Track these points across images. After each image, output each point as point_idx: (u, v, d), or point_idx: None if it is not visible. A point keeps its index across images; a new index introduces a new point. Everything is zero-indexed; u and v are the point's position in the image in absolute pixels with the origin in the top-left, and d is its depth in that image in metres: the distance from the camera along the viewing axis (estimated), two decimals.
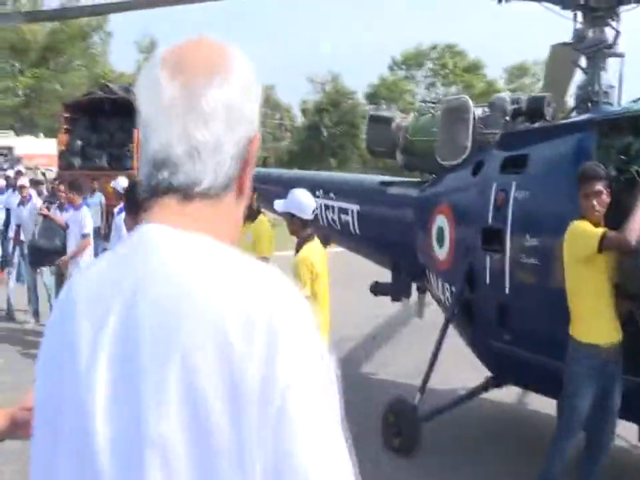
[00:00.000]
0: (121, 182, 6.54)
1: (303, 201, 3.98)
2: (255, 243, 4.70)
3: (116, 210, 6.37)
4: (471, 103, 4.55)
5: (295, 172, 10.10)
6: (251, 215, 4.82)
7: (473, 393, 4.74)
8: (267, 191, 8.26)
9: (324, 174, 8.15)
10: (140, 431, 0.66)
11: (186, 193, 0.77)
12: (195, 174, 0.77)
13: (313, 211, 4.01)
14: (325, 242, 7.27)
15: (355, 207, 6.21)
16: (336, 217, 6.59)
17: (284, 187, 7.94)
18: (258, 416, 0.65)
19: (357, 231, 6.25)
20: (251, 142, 0.81)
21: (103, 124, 12.86)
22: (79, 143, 12.86)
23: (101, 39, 37.55)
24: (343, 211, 6.39)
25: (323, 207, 6.80)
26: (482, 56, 39.35)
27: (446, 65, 38.55)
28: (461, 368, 5.51)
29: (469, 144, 4.47)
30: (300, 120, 43.87)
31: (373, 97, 36.83)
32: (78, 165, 12.65)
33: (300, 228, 3.93)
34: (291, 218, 3.95)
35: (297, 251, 3.91)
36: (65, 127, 13.12)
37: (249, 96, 0.81)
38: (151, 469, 0.65)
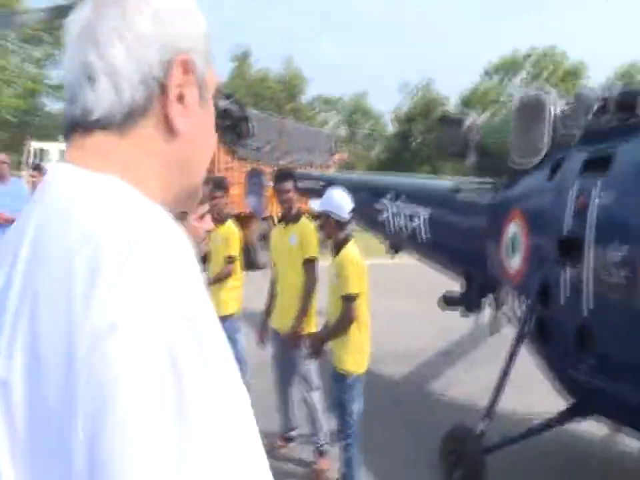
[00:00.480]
0: None
1: (340, 201, 3.84)
2: (301, 245, 4.40)
3: None
4: (549, 97, 4.04)
5: (364, 175, 9.82)
6: (293, 217, 4.56)
7: (550, 423, 4.21)
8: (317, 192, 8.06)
9: (394, 177, 7.76)
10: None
11: (85, 125, 0.72)
12: (90, 103, 0.72)
13: (350, 212, 3.87)
14: (394, 250, 6.95)
15: (424, 213, 5.82)
16: (404, 223, 6.22)
17: (353, 190, 7.71)
18: (83, 382, 0.56)
19: (426, 238, 5.86)
20: (170, 66, 0.74)
21: None
22: None
23: None
24: (412, 216, 6.01)
25: (392, 213, 6.46)
26: (586, 60, 37.53)
27: (546, 68, 37.03)
28: (537, 392, 4.97)
29: (545, 143, 3.98)
30: (391, 128, 43.81)
31: (465, 105, 35.96)
32: None
33: (336, 229, 3.81)
34: (327, 218, 3.82)
35: (336, 253, 3.80)
36: None
37: (162, 21, 0.74)
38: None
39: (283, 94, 39.89)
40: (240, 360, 5.25)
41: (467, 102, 36.20)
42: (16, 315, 0.63)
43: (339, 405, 3.80)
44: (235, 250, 5.31)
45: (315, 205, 3.99)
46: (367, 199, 6.97)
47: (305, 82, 42.69)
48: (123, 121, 0.72)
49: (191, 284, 0.63)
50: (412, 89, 40.70)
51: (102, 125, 0.72)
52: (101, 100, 0.71)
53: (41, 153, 24.42)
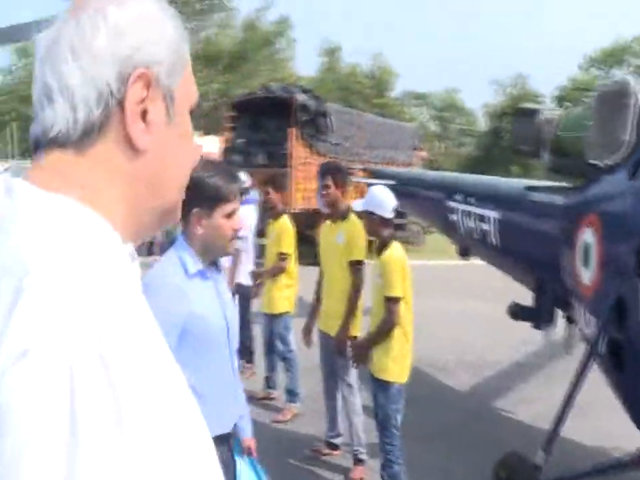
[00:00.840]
0: (241, 177, 6.32)
1: (382, 198, 3.67)
2: (348, 245, 4.10)
3: None
4: (635, 84, 3.51)
5: (436, 173, 9.35)
6: (342, 214, 4.22)
7: (623, 462, 3.69)
8: (405, 192, 7.70)
9: (466, 176, 7.30)
10: None
11: (44, 144, 0.72)
12: (48, 122, 0.71)
13: (394, 209, 3.68)
14: (464, 253, 6.51)
15: (495, 215, 5.35)
16: (474, 225, 5.77)
17: (423, 188, 7.31)
18: None
19: (496, 242, 5.39)
20: (127, 83, 0.70)
21: (263, 123, 13.12)
22: (242, 140, 13.25)
23: (285, 45, 39.43)
24: (482, 218, 5.56)
25: (461, 214, 6.04)
26: None
27: None
28: (609, 420, 4.42)
29: (629, 137, 3.46)
30: (483, 125, 42.55)
31: (561, 100, 34.11)
32: (239, 162, 13.03)
33: (380, 227, 3.62)
34: (369, 216, 3.64)
35: (379, 253, 3.60)
36: (229, 125, 13.61)
37: (119, 35, 0.71)
38: None
39: (371, 89, 39.47)
40: (288, 360, 5.06)
41: (563, 98, 34.31)
42: None
43: (383, 416, 3.56)
44: (287, 247, 5.10)
45: (357, 204, 3.81)
46: (438, 198, 6.60)
47: (394, 77, 42.11)
48: (79, 140, 0.71)
49: (115, 319, 0.60)
50: (504, 85, 39.26)
51: (59, 143, 0.71)
52: (58, 119, 0.71)
53: None
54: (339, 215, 4.22)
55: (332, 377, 4.29)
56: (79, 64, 0.70)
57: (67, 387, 0.54)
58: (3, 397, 0.54)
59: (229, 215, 2.10)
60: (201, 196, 2.02)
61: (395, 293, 3.46)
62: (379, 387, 3.58)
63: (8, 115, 39.31)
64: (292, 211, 11.77)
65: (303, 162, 12.31)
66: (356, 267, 4.05)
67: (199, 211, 2.06)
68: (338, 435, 4.38)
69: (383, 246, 3.60)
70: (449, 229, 6.49)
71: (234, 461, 2.24)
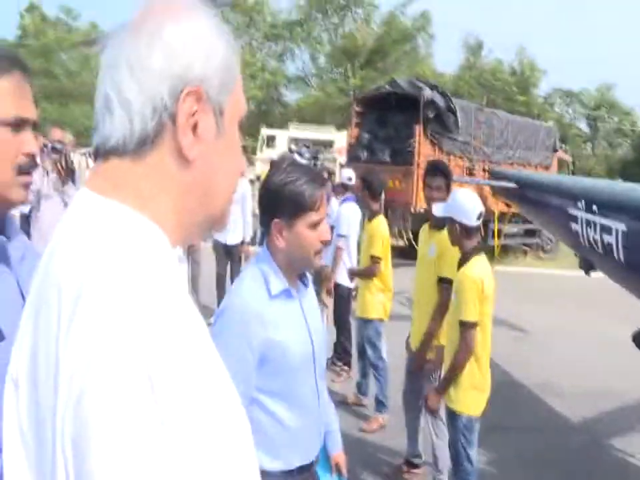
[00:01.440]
0: (346, 173, 6.18)
1: (465, 202, 3.20)
2: (439, 258, 3.75)
3: (340, 199, 6.03)
4: None
5: (561, 177, 8.54)
6: (438, 222, 3.76)
7: None
8: (526, 196, 7.16)
9: (591, 181, 6.57)
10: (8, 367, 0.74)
11: (102, 150, 0.78)
12: (106, 131, 0.77)
13: (479, 216, 3.20)
14: (586, 268, 5.88)
15: (621, 226, 4.75)
16: (598, 237, 5.17)
17: (544, 192, 6.70)
18: (63, 406, 0.63)
19: (622, 258, 4.79)
20: (179, 99, 0.76)
21: (390, 118, 12.86)
22: (367, 136, 13.10)
23: (424, 40, 38.69)
24: (606, 229, 4.96)
25: (584, 223, 5.43)
26: None
27: None
28: None
29: None
30: None
31: None
32: (364, 159, 12.90)
33: (462, 237, 3.19)
34: (451, 224, 3.21)
35: (460, 265, 3.19)
36: (355, 120, 13.51)
37: (172, 55, 0.76)
38: (10, 399, 0.71)
39: (514, 86, 37.59)
40: (377, 367, 4.86)
41: None
42: (27, 320, 0.74)
43: (454, 450, 3.23)
44: (378, 250, 4.86)
45: (438, 209, 3.34)
46: (560, 205, 6.03)
47: (540, 73, 39.77)
48: (135, 149, 0.77)
49: (155, 333, 0.65)
50: None
51: (117, 152, 0.77)
52: (116, 130, 0.76)
53: (270, 139, 26.37)
54: (436, 222, 3.79)
55: (413, 394, 4.01)
56: (137, 80, 0.76)
57: (120, 406, 0.62)
58: (83, 415, 0.62)
59: (314, 225, 1.86)
60: (281, 204, 1.83)
61: (469, 317, 3.05)
62: (449, 416, 3.26)
63: None
64: (414, 211, 11.45)
65: (437, 160, 11.92)
66: (444, 285, 3.64)
67: (279, 222, 1.85)
68: (417, 456, 4.12)
69: (464, 259, 3.19)
70: (571, 239, 5.90)
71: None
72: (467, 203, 3.19)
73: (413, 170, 11.58)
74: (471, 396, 3.15)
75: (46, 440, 0.65)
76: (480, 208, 3.23)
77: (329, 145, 26.38)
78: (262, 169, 17.57)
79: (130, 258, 0.69)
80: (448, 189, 3.79)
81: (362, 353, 5.10)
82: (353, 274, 5.22)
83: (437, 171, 3.96)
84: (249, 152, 29.63)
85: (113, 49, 0.79)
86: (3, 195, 1.23)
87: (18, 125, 1.22)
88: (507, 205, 8.21)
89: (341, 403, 5.17)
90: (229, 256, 7.33)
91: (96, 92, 0.80)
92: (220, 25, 0.83)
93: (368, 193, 5.02)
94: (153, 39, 0.77)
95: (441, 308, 3.64)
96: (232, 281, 7.36)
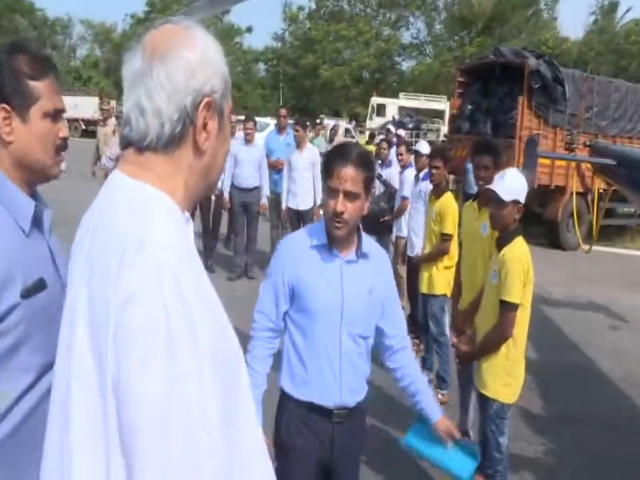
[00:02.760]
0: (423, 146, 6.03)
1: (524, 185, 3.10)
2: (493, 236, 3.62)
3: (421, 175, 5.92)
4: None
5: None
6: (489, 199, 3.67)
7: None
8: (629, 175, 6.64)
9: None
10: (72, 303, 1.00)
11: (137, 146, 1.02)
12: (141, 131, 1.01)
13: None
14: None
15: None
16: None
17: (633, 168, 6.16)
18: (107, 327, 0.89)
19: None
20: (198, 107, 1.02)
21: (493, 89, 12.32)
22: (470, 107, 12.67)
23: (547, 4, 36.27)
24: None
25: None
26: None
27: None
28: None
29: None
30: None
31: None
32: (465, 130, 12.52)
33: (515, 218, 3.09)
34: (513, 206, 3.06)
35: (502, 246, 3.08)
36: (458, 91, 13.09)
37: (192, 74, 1.01)
38: (78, 329, 0.95)
39: None
40: (440, 343, 4.84)
41: None
42: (83, 272, 0.98)
43: (484, 438, 3.14)
44: (449, 227, 4.79)
45: (502, 191, 3.02)
46: None
47: None
48: (165, 145, 1.02)
49: (182, 269, 0.91)
50: None
51: (150, 148, 1.02)
52: (151, 131, 1.00)
53: (379, 108, 26.20)
54: (487, 199, 3.58)
55: (468, 377, 3.97)
56: (167, 94, 1.00)
57: (164, 317, 0.86)
58: (123, 328, 0.87)
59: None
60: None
61: (513, 298, 2.94)
62: (480, 401, 3.19)
63: (278, 77, 43.02)
64: None
65: (532, 133, 11.32)
66: None
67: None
68: (465, 433, 4.05)
69: (507, 239, 3.07)
70: None
71: (332, 432, 2.22)
72: (524, 183, 3.10)
73: (514, 143, 11.10)
74: (504, 382, 3.05)
75: (100, 356, 0.90)
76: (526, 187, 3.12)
77: (440, 114, 25.77)
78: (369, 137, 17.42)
79: (157, 224, 0.95)
80: (497, 168, 3.66)
81: (426, 328, 5.08)
82: (424, 260, 5.02)
83: (485, 149, 3.84)
84: (361, 120, 29.74)
85: (133, 66, 1.03)
86: (45, 172, 1.53)
87: (55, 115, 1.50)
88: (608, 184, 7.66)
89: None
90: (302, 220, 7.57)
91: (125, 98, 1.04)
92: (216, 42, 1.08)
93: (444, 168, 4.95)
94: (176, 62, 1.01)
95: None
96: None
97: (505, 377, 3.05)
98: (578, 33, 37.85)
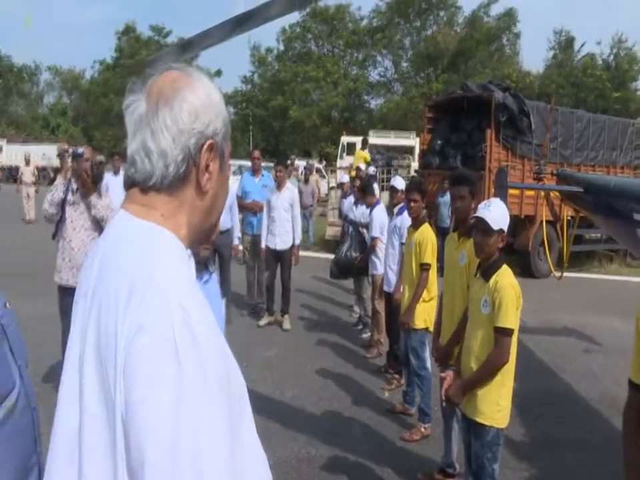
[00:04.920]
0: (398, 182, 6.11)
1: (506, 213, 3.19)
2: (469, 266, 3.69)
3: (396, 210, 5.99)
4: None
5: (626, 180, 7.99)
6: (468, 230, 3.74)
7: None
8: (594, 202, 6.80)
9: None
10: (80, 346, 1.01)
11: (142, 186, 1.05)
12: (147, 172, 1.03)
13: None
14: None
15: None
16: None
17: (610, 196, 6.31)
18: (115, 360, 0.91)
19: None
20: (201, 149, 1.05)
21: (461, 123, 12.65)
22: (439, 142, 12.94)
23: (510, 40, 37.54)
24: None
25: None
26: None
27: None
28: None
29: None
30: None
31: None
32: (435, 165, 12.75)
33: (499, 246, 3.16)
34: (498, 235, 3.13)
35: (489, 275, 3.12)
36: (427, 126, 13.38)
37: (196, 117, 1.05)
38: (87, 375, 0.96)
39: (608, 82, 35.64)
40: (421, 377, 4.83)
41: None
42: (90, 308, 1.00)
43: (477, 466, 3.13)
44: (428, 257, 4.83)
45: (492, 220, 3.08)
46: (625, 210, 5.73)
47: (639, 65, 37.44)
48: (169, 186, 1.04)
49: (188, 300, 0.94)
50: None
51: (155, 187, 1.05)
52: (156, 172, 1.03)
53: (350, 147, 26.51)
54: (466, 230, 3.80)
55: (451, 409, 3.96)
56: (172, 136, 1.03)
57: (173, 346, 0.88)
58: (132, 358, 0.89)
59: None
60: None
61: (508, 324, 2.99)
62: (473, 429, 3.16)
63: (247, 120, 43.45)
64: None
65: (501, 165, 11.57)
66: None
67: None
68: (450, 466, 4.06)
69: (495, 268, 3.13)
70: (637, 246, 5.61)
71: None
72: (507, 213, 3.19)
73: (484, 175, 11.31)
74: (498, 408, 3.07)
75: (109, 393, 0.92)
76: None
77: (409, 150, 26.16)
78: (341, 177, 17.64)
79: (163, 259, 0.98)
80: (473, 197, 3.83)
81: (407, 363, 5.07)
82: (413, 303, 4.86)
83: (461, 180, 3.95)
84: (331, 159, 30.06)
85: (143, 107, 1.05)
86: None
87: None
88: (576, 210, 7.85)
89: (389, 411, 5.18)
90: (280, 261, 7.60)
91: (129, 139, 1.07)
92: (216, 86, 1.12)
93: (422, 201, 5.01)
94: (181, 105, 1.04)
95: None
96: (282, 284, 7.61)
97: (501, 402, 3.07)
98: (539, 67, 38.88)
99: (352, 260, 7.17)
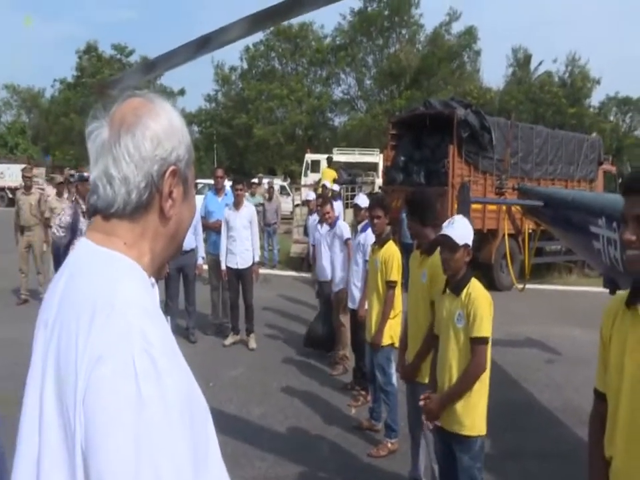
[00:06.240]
0: (362, 199, 6.16)
1: (471, 229, 3.24)
2: (430, 284, 3.75)
3: (359, 227, 6.02)
4: None
5: (582, 193, 8.26)
6: (428, 248, 3.85)
7: None
8: (553, 215, 6.95)
9: (612, 197, 6.32)
10: (40, 375, 0.99)
11: (104, 213, 1.05)
12: (109, 199, 1.04)
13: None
14: (610, 287, 5.67)
15: None
16: (619, 255, 5.03)
17: (569, 210, 6.45)
18: (75, 390, 0.90)
19: None
20: (164, 176, 1.06)
21: (424, 140, 12.81)
22: (402, 158, 13.07)
23: (470, 57, 38.42)
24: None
25: (606, 241, 5.28)
26: None
27: None
28: None
29: None
30: None
31: None
32: (399, 181, 12.88)
33: (466, 260, 3.21)
34: (464, 250, 3.18)
35: (460, 289, 3.16)
36: (391, 143, 13.52)
37: (158, 144, 1.06)
38: (46, 405, 0.95)
39: (564, 98, 36.71)
40: (387, 393, 4.83)
41: None
42: (51, 337, 0.98)
43: (467, 476, 3.12)
44: (394, 274, 4.85)
45: (458, 236, 3.16)
46: (581, 222, 5.86)
47: (592, 83, 38.74)
48: (132, 212, 1.04)
49: (149, 328, 0.93)
50: None
51: (117, 215, 1.04)
52: (118, 199, 1.03)
53: (314, 164, 26.65)
54: (426, 248, 3.88)
55: (418, 424, 3.97)
56: (134, 163, 1.03)
57: (133, 374, 0.87)
58: (92, 389, 0.87)
59: None
60: None
61: (484, 332, 3.04)
62: (457, 444, 3.15)
63: (211, 138, 43.28)
64: None
65: (464, 180, 11.76)
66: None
67: None
68: (417, 478, 4.07)
69: (465, 281, 3.17)
70: (594, 258, 5.72)
71: None
72: (471, 228, 3.25)
73: (447, 191, 11.48)
74: (482, 416, 3.12)
75: (68, 423, 0.91)
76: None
77: (373, 167, 26.40)
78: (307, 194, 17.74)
79: (124, 287, 0.97)
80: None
81: (373, 379, 5.07)
82: (383, 321, 4.85)
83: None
84: (296, 177, 30.11)
85: (106, 134, 1.05)
86: None
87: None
88: (537, 223, 8.03)
89: (356, 427, 5.17)
90: (241, 280, 7.55)
91: (91, 166, 1.07)
92: (178, 113, 1.13)
93: (385, 217, 5.03)
94: (143, 132, 1.04)
95: (433, 330, 3.58)
96: (245, 302, 7.56)
97: (481, 411, 3.12)
98: (499, 84, 39.81)
99: (321, 337, 7.10)
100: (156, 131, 1.05)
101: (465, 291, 3.13)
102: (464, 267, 3.20)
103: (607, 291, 5.45)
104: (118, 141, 1.03)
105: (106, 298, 0.94)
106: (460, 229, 3.18)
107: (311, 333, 7.19)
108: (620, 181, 16.09)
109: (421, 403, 3.25)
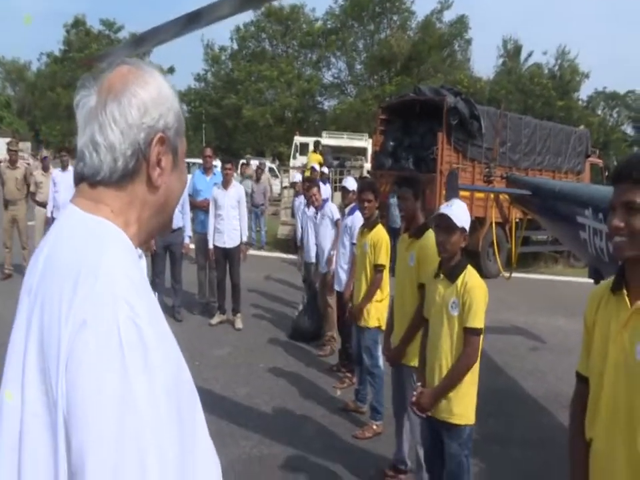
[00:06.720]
0: (350, 182, 6.15)
1: (468, 215, 3.19)
2: (418, 267, 3.78)
3: (347, 209, 6.02)
4: None
5: (570, 184, 8.34)
6: (416, 231, 3.89)
7: None
8: (540, 205, 7.00)
9: (598, 188, 6.37)
10: (23, 343, 0.96)
11: (90, 181, 1.04)
12: (95, 166, 1.03)
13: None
14: (596, 277, 5.74)
15: None
16: (604, 246, 5.08)
17: (556, 200, 6.50)
18: (58, 358, 0.88)
19: None
20: (151, 143, 1.05)
21: (414, 126, 12.82)
22: (392, 144, 13.07)
23: (461, 46, 38.35)
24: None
25: (592, 232, 5.34)
26: None
27: None
28: None
29: None
30: None
31: None
32: (388, 166, 12.89)
33: (461, 245, 3.15)
34: (461, 234, 3.12)
35: (455, 276, 3.09)
36: (380, 128, 13.51)
37: (145, 111, 1.04)
38: (29, 374, 0.93)
39: (553, 91, 36.82)
40: (373, 375, 4.86)
41: None
42: (34, 304, 0.96)
43: (455, 463, 3.13)
44: (383, 258, 4.86)
45: (456, 220, 3.09)
46: (568, 213, 5.91)
47: (581, 76, 38.91)
48: (118, 180, 1.03)
49: (135, 298, 0.91)
50: None
51: (103, 182, 1.03)
52: (104, 166, 1.02)
53: (302, 147, 26.55)
54: (414, 231, 3.91)
55: (402, 407, 4.01)
56: (120, 130, 1.02)
57: (117, 342, 0.86)
58: (75, 354, 0.86)
59: None
60: None
61: (478, 323, 3.01)
62: (446, 432, 3.15)
63: (200, 118, 42.90)
64: None
65: (452, 167, 11.80)
66: (423, 290, 3.56)
67: None
68: (402, 462, 4.12)
69: (460, 269, 3.10)
70: (580, 248, 5.78)
71: None
72: (467, 212, 3.20)
73: (435, 177, 11.51)
74: (472, 405, 3.13)
75: (50, 392, 0.89)
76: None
77: (362, 152, 26.38)
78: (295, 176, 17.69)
79: (110, 255, 0.95)
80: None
81: (359, 361, 5.10)
82: (365, 301, 4.88)
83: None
84: (284, 159, 30.00)
85: (89, 102, 1.04)
86: None
87: None
88: (524, 212, 8.09)
89: (341, 409, 5.21)
90: (228, 259, 7.54)
91: (79, 134, 1.05)
92: (168, 81, 1.11)
93: (375, 201, 5.03)
94: (130, 99, 1.03)
95: (421, 313, 3.57)
96: (232, 282, 7.56)
97: (471, 400, 3.12)
98: (489, 74, 39.85)
99: (306, 329, 7.10)
100: (143, 99, 1.04)
101: (460, 278, 3.07)
102: (459, 253, 3.15)
103: (592, 281, 5.51)
104: (104, 108, 1.02)
105: (91, 265, 0.92)
106: (458, 211, 3.13)
107: (297, 326, 7.19)
108: (607, 174, 16.28)
109: (413, 399, 3.20)
